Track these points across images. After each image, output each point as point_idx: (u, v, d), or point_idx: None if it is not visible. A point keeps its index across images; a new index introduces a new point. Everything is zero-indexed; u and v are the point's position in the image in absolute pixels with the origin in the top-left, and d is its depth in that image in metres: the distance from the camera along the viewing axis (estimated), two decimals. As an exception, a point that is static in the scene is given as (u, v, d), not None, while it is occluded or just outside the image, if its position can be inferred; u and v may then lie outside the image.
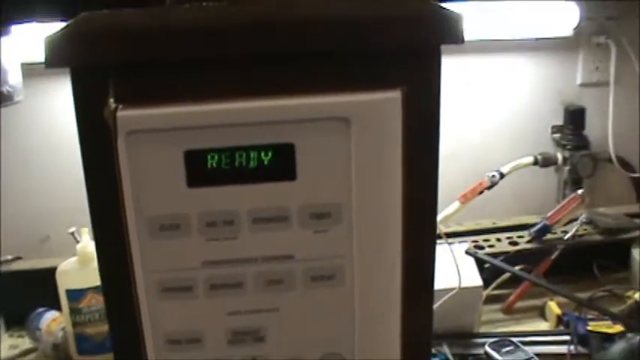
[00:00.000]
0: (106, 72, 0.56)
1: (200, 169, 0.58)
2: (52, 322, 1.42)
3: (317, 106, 0.57)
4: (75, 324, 1.35)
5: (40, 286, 1.42)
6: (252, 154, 0.58)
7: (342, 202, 0.59)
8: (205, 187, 0.58)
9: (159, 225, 0.59)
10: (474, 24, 1.48)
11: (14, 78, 1.17)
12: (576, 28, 1.68)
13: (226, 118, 0.57)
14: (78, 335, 1.35)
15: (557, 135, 1.76)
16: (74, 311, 1.34)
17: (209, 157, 0.58)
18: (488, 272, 1.48)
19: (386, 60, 0.58)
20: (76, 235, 1.35)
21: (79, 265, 1.33)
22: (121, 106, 0.56)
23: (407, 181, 0.60)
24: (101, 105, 0.57)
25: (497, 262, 1.46)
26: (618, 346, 0.88)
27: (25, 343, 1.47)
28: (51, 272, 1.36)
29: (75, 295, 1.33)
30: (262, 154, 0.58)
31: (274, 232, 0.60)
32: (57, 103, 1.53)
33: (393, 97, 0.58)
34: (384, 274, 0.63)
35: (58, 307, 1.38)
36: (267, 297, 0.62)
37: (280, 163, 0.58)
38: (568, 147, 1.73)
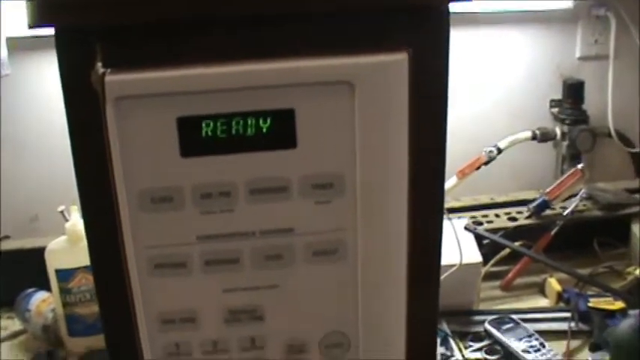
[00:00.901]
0: (93, 34, 0.53)
1: (194, 138, 0.55)
2: (42, 303, 1.39)
3: (318, 69, 0.54)
4: (65, 304, 1.32)
5: (29, 267, 1.39)
6: (249, 121, 0.54)
7: (345, 171, 0.56)
8: (200, 157, 0.55)
9: (150, 197, 0.56)
10: (471, -5, 1.45)
11: (-1, 52, 1.13)
12: (575, 0, 1.65)
13: (222, 82, 0.53)
14: (68, 316, 1.32)
15: (555, 109, 1.74)
16: (64, 291, 1.31)
17: (204, 124, 0.54)
18: (486, 249, 1.45)
19: (391, 20, 0.55)
20: (66, 213, 1.31)
21: (68, 244, 1.29)
22: (109, 71, 0.53)
23: (413, 148, 0.57)
24: (88, 70, 0.54)
25: (496, 237, 1.44)
26: (626, 323, 0.86)
27: (15, 324, 1.44)
28: (40, 252, 1.33)
29: (64, 274, 1.30)
30: (260, 120, 0.54)
31: (273, 204, 0.56)
32: (45, 79, 1.49)
33: (399, 59, 0.55)
34: (389, 249, 0.60)
35: (48, 288, 1.35)
36: (266, 273, 0.58)
37: (280, 131, 0.55)
38: (567, 121, 1.70)
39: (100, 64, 0.53)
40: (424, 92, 0.56)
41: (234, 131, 0.54)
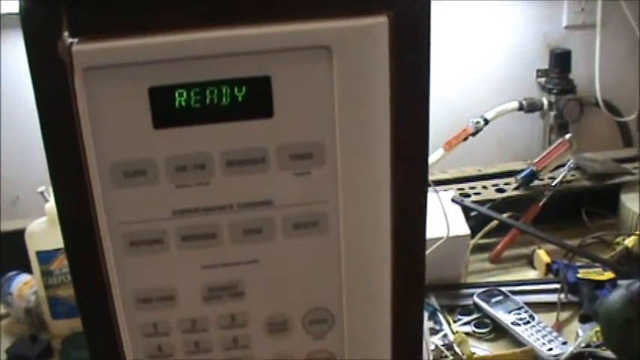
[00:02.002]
0: (58, 1, 0.50)
1: (167, 108, 0.52)
2: (24, 285, 1.36)
3: (295, 33, 0.51)
4: (47, 287, 1.30)
5: (10, 249, 1.37)
6: (224, 90, 0.52)
7: (324, 140, 0.54)
8: (173, 128, 0.53)
9: (123, 171, 0.53)
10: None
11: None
12: (561, -33, 1.64)
13: (195, 49, 0.51)
14: (51, 298, 1.30)
15: (542, 79, 1.73)
16: (45, 274, 1.29)
17: (177, 94, 0.52)
18: (474, 221, 1.44)
19: (370, -19, 0.52)
20: (46, 194, 1.29)
21: (48, 226, 1.27)
22: (76, 40, 0.50)
23: (395, 116, 0.55)
24: (55, 39, 0.51)
25: (484, 209, 1.43)
26: (616, 294, 0.84)
27: (-2, 308, 1.42)
28: (21, 234, 1.30)
29: (45, 256, 1.28)
30: (236, 89, 0.52)
31: (250, 176, 0.54)
32: (20, 58, 1.45)
33: (378, 22, 0.52)
34: (372, 222, 0.58)
35: (30, 271, 1.33)
36: (245, 248, 0.56)
37: (255, 99, 0.52)
38: (554, 91, 1.69)
39: (67, 34, 0.50)
40: (405, 58, 0.54)
41: (208, 101, 0.52)
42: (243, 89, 0.52)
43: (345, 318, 0.60)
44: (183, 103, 0.52)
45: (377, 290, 0.60)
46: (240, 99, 0.52)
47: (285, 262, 0.57)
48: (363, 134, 0.54)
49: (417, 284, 0.63)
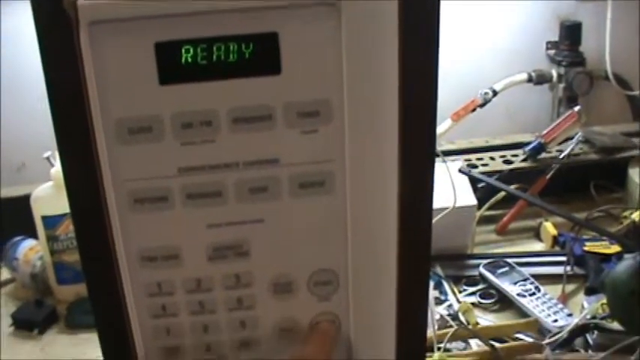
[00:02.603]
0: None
1: (173, 64, 0.51)
2: (29, 251, 1.37)
3: (303, -12, 0.50)
4: (52, 252, 1.30)
5: (17, 215, 1.36)
6: (231, 46, 0.51)
7: (331, 98, 0.53)
8: (179, 84, 0.52)
9: (128, 128, 0.53)
10: None
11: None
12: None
13: (202, 4, 0.50)
14: (56, 264, 1.31)
15: (552, 51, 1.72)
16: (51, 239, 1.29)
17: (183, 50, 0.51)
18: (481, 193, 1.43)
19: None
20: (52, 159, 1.28)
21: (54, 191, 1.27)
22: (82, -6, 0.49)
23: (404, 76, 0.54)
24: (59, -7, 0.50)
25: (491, 180, 1.42)
26: (624, 265, 0.84)
27: (4, 274, 1.42)
28: (27, 200, 1.30)
29: (51, 221, 1.28)
30: (243, 45, 0.51)
31: (257, 134, 0.53)
32: (24, 22, 1.45)
33: (388, -22, 0.51)
34: (379, 183, 0.57)
35: (37, 236, 1.33)
36: (250, 207, 0.56)
37: (263, 56, 0.52)
38: (563, 63, 1.68)
39: (71, -14, 0.50)
40: (415, 14, 0.53)
41: (215, 57, 0.51)
42: (251, 46, 0.51)
43: (350, 280, 0.59)
44: (189, 59, 0.51)
45: (383, 253, 0.59)
46: (247, 55, 0.51)
47: (291, 222, 0.56)
48: (371, 93, 0.53)
49: (423, 249, 0.62)
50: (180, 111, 0.52)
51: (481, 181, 1.42)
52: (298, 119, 0.53)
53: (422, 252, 0.62)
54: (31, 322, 1.26)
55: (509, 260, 1.31)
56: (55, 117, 0.54)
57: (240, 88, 0.52)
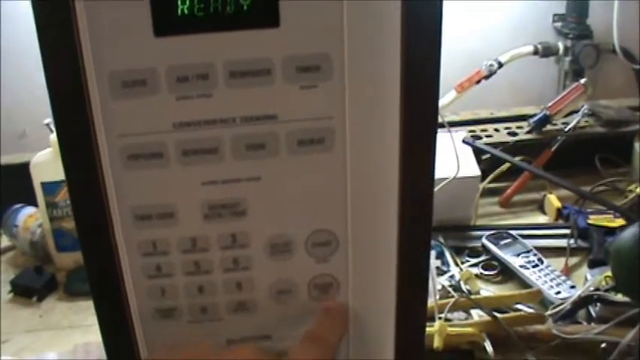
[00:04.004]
0: None
1: (169, 16, 0.50)
2: (29, 218, 1.36)
3: (303, -62, 0.49)
4: (52, 219, 1.29)
5: (17, 183, 1.35)
6: (228, -3, 0.50)
7: (332, 52, 0.52)
8: (175, 36, 0.51)
9: (122, 81, 0.51)
10: None
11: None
12: None
13: (198, -47, 0.49)
14: (56, 231, 1.30)
15: (558, 24, 1.69)
16: (50, 205, 1.28)
17: (179, 0, 0.50)
18: (485, 165, 1.42)
19: None
20: (51, 125, 1.27)
21: (53, 157, 1.25)
22: (74, -60, 0.48)
23: (406, 30, 0.52)
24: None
25: (495, 151, 1.41)
26: (629, 232, 0.82)
27: (4, 241, 1.42)
28: (28, 167, 1.29)
29: (50, 188, 1.27)
30: (241, -4, 0.50)
31: (255, 88, 0.52)
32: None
33: None
34: (379, 142, 0.55)
35: (37, 205, 1.32)
36: (247, 164, 0.54)
37: (261, 8, 0.50)
38: (570, 36, 1.66)
39: None
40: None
41: (212, 8, 0.50)
42: (249, -4, 0.50)
43: (349, 241, 0.58)
44: (185, 11, 0.50)
45: (383, 214, 0.58)
46: (245, 7, 0.50)
47: (289, 180, 0.55)
48: (373, 47, 0.52)
49: (424, 213, 0.61)
50: (175, 64, 0.51)
51: (485, 152, 1.41)
52: (297, 74, 0.52)
53: (423, 213, 0.60)
54: (31, 289, 1.26)
55: (513, 232, 1.30)
56: (48, 70, 0.52)
57: (238, 40, 0.51)
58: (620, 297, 1.05)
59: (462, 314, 1.07)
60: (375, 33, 0.52)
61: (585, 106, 1.56)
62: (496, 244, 1.26)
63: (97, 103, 0.52)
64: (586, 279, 1.15)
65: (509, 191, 1.46)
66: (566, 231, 1.30)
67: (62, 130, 0.54)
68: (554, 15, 1.70)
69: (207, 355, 0.54)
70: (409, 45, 0.53)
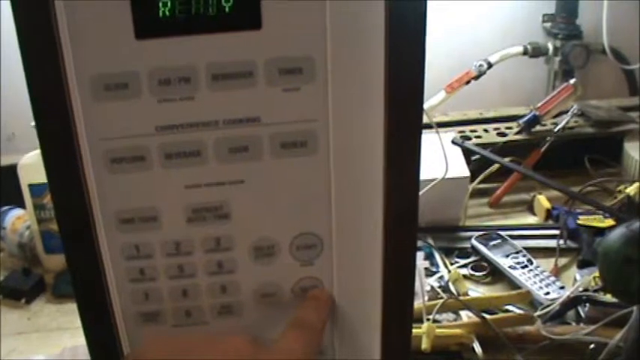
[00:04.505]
0: None
1: (150, 18, 0.49)
2: (17, 220, 1.36)
3: (285, -61, 0.49)
4: (40, 221, 1.29)
5: (5, 185, 1.35)
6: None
7: (314, 55, 0.51)
8: (157, 39, 0.50)
9: (104, 84, 0.51)
10: None
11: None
12: None
13: (179, -45, 0.48)
14: (44, 232, 1.29)
15: (548, 24, 1.70)
16: (38, 207, 1.27)
17: (160, 3, 0.49)
18: (474, 165, 1.42)
19: None
20: (39, 127, 1.27)
21: (41, 159, 1.24)
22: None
23: (390, 32, 0.52)
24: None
25: (485, 152, 1.40)
26: (617, 232, 0.82)
27: (-9, 243, 1.41)
28: (16, 169, 1.28)
29: (38, 189, 1.26)
30: (223, -1, 0.49)
31: (237, 91, 0.52)
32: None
33: None
34: (363, 145, 0.55)
35: (24, 206, 1.31)
36: (230, 167, 0.54)
37: (243, 10, 0.50)
38: (559, 36, 1.66)
39: None
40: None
41: (193, 10, 0.49)
42: (231, -1, 0.49)
43: (334, 244, 0.58)
44: (167, 13, 0.49)
45: (368, 217, 0.57)
46: (227, 9, 0.50)
47: (273, 183, 0.55)
48: (356, 49, 0.52)
49: (409, 215, 0.60)
50: (157, 67, 0.51)
51: (474, 153, 1.41)
52: (280, 76, 0.51)
53: (409, 215, 0.60)
54: (19, 291, 1.25)
55: (502, 233, 1.30)
56: (28, 73, 0.52)
57: (220, 43, 0.50)
58: (609, 297, 1.05)
59: (450, 315, 1.07)
60: (359, 35, 0.51)
61: (575, 107, 1.57)
62: (485, 245, 1.26)
63: (79, 107, 0.51)
64: (575, 279, 1.16)
65: (498, 192, 1.46)
66: (556, 232, 1.31)
67: (44, 133, 0.54)
68: (544, 15, 1.70)
69: (198, 344, 0.53)
70: (393, 46, 0.52)
